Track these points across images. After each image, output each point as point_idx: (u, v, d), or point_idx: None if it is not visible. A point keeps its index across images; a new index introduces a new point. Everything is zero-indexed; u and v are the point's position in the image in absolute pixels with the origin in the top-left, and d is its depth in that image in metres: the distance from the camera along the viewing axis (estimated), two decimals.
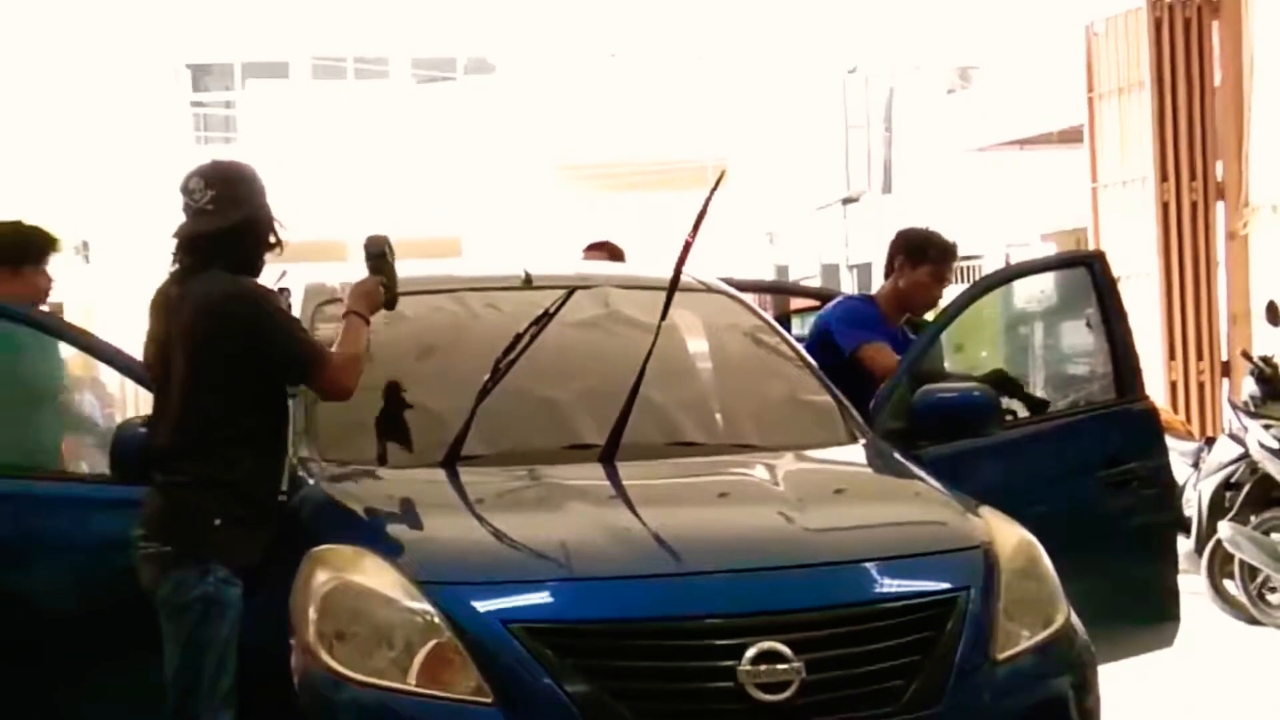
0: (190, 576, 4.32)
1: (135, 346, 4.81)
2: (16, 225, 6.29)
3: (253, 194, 4.55)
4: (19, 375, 5.27)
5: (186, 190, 4.51)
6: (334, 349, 4.53)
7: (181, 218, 4.55)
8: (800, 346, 5.70)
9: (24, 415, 5.27)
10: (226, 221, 4.47)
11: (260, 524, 4.45)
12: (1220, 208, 12.37)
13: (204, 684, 4.29)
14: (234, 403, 4.43)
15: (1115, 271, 5.86)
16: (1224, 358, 12.27)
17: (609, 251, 7.49)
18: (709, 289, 5.65)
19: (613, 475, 4.66)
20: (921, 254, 6.23)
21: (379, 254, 4.69)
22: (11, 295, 6.03)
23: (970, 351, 6.21)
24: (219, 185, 4.50)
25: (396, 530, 4.41)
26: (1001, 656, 4.21)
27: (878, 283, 6.56)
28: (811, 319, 9.54)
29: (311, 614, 4.13)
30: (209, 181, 4.50)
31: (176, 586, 4.33)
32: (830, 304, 6.48)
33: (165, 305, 4.57)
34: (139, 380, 4.76)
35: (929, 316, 6.26)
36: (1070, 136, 14.78)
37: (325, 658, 4.06)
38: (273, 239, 4.58)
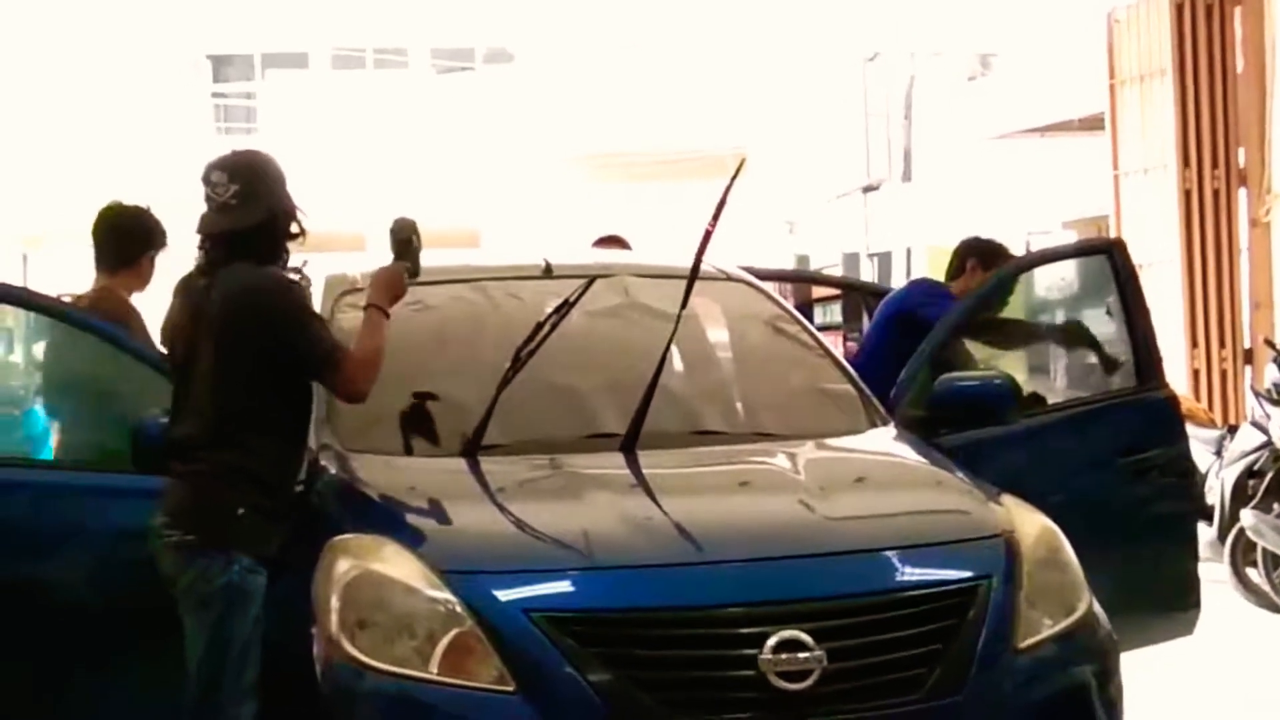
0: (215, 566, 4.32)
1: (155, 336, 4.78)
2: (141, 210, 6.03)
3: (275, 187, 4.54)
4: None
5: (209, 183, 4.51)
6: (353, 345, 4.49)
7: (204, 207, 4.55)
8: (821, 335, 5.70)
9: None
10: (251, 218, 4.47)
11: (283, 514, 4.44)
12: (1242, 195, 12.32)
13: (228, 676, 4.29)
14: (260, 393, 4.43)
15: (1137, 259, 5.88)
16: (1246, 345, 12.23)
17: (618, 245, 7.46)
18: (729, 277, 5.64)
19: (633, 464, 4.65)
20: (993, 260, 6.73)
21: (406, 239, 4.65)
22: (139, 283, 5.96)
23: None
24: (241, 180, 4.49)
25: (418, 519, 4.41)
26: (1023, 645, 4.21)
27: (898, 271, 6.67)
28: (835, 308, 9.58)
29: (333, 603, 4.13)
30: (231, 175, 4.49)
31: (200, 576, 4.33)
32: (904, 287, 6.93)
33: (191, 296, 4.57)
34: (157, 368, 4.76)
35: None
36: (1091, 124, 14.72)
37: (347, 647, 4.07)
38: (295, 229, 4.58)
